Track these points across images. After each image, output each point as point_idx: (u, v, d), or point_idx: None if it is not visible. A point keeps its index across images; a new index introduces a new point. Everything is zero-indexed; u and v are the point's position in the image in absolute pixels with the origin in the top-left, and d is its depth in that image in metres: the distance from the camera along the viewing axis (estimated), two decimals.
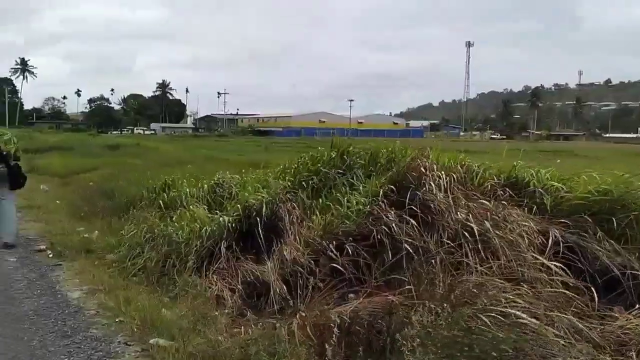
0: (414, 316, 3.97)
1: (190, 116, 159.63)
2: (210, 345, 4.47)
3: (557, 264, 4.96)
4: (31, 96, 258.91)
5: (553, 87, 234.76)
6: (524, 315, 3.90)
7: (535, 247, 5.47)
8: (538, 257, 5.07)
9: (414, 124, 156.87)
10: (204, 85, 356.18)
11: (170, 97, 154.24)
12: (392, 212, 5.88)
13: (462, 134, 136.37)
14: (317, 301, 4.84)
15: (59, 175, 19.70)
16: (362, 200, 6.37)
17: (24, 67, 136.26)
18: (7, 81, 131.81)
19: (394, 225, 5.64)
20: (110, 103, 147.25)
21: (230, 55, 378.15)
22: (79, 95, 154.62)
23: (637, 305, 4.63)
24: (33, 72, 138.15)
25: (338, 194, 6.89)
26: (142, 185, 11.10)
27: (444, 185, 6.12)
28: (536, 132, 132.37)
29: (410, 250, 5.54)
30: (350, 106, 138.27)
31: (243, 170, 10.08)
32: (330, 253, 5.86)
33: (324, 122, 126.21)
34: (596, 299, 4.60)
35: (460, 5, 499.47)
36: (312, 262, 5.85)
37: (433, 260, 5.19)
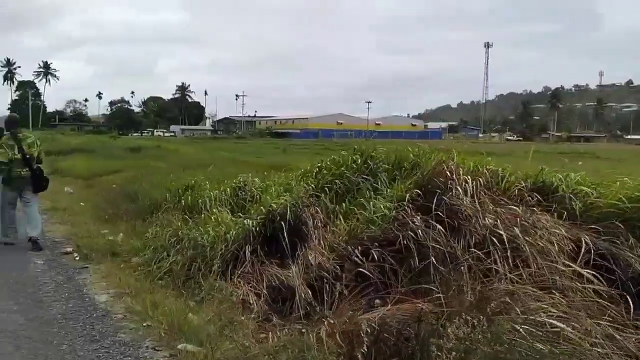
0: (449, 328, 3.89)
1: (209, 118, 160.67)
2: (239, 352, 4.46)
3: (590, 271, 4.87)
4: (54, 99, 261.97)
5: (573, 88, 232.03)
6: (562, 325, 3.83)
7: (566, 254, 5.40)
8: (571, 264, 4.98)
9: (432, 125, 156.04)
10: (223, 88, 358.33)
11: (190, 100, 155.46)
12: (418, 217, 5.84)
13: (480, 135, 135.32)
14: (344, 307, 4.80)
15: (82, 177, 19.90)
16: (387, 205, 6.33)
17: (46, 70, 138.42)
18: (31, 84, 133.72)
19: (420, 230, 5.59)
20: (130, 105, 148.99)
21: (249, 57, 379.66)
22: (100, 97, 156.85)
23: None
24: (55, 75, 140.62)
25: (362, 199, 6.86)
26: (165, 188, 11.17)
27: (470, 189, 6.06)
28: (556, 134, 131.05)
29: (437, 256, 5.51)
30: (368, 108, 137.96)
31: (265, 173, 10.11)
32: (355, 258, 5.84)
33: (341, 123, 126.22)
34: (631, 307, 4.51)
35: (479, 7, 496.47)
36: (337, 267, 5.83)
37: (462, 267, 5.11)
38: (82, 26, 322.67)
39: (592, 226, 5.67)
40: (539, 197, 6.26)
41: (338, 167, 7.73)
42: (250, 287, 6.00)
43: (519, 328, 3.79)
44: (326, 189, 7.41)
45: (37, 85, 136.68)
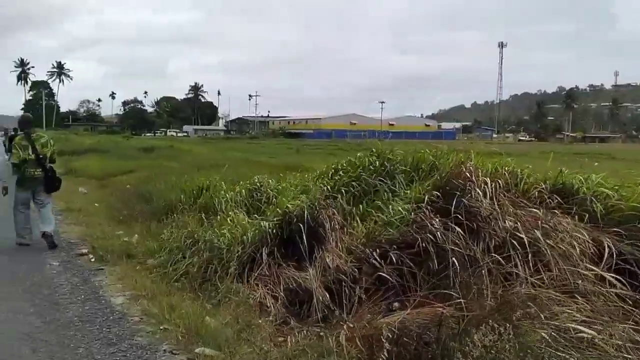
0: (475, 334, 3.81)
1: (222, 118, 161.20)
2: (258, 356, 4.41)
3: (613, 275, 4.77)
4: (67, 99, 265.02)
5: (588, 88, 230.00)
6: (593, 333, 3.74)
7: (588, 257, 5.30)
8: (593, 268, 4.89)
9: (446, 125, 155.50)
10: (236, 88, 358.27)
11: (202, 100, 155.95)
12: (437, 220, 5.77)
13: (495, 136, 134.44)
14: (363, 311, 4.74)
15: (96, 177, 19.99)
16: (405, 207, 6.26)
17: (60, 70, 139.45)
18: (45, 84, 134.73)
19: (439, 233, 5.51)
20: (143, 105, 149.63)
21: (262, 57, 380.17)
22: (113, 97, 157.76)
23: None
24: (69, 76, 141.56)
25: (379, 201, 6.80)
26: (179, 189, 11.16)
27: (489, 191, 5.98)
28: (571, 134, 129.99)
29: (456, 259, 5.43)
30: (382, 108, 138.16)
31: (281, 175, 10.07)
32: (373, 261, 5.77)
33: (354, 124, 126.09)
34: None
35: (493, 7, 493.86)
36: (355, 270, 5.77)
37: (482, 270, 5.03)
38: (96, 26, 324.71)
39: (614, 229, 5.57)
40: (559, 199, 6.17)
41: (355, 169, 7.67)
42: (267, 289, 5.96)
43: (545, 335, 3.70)
44: (342, 190, 7.36)
45: (51, 85, 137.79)
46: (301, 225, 6.44)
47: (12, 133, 14.30)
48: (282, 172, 10.62)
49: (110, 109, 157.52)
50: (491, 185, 6.06)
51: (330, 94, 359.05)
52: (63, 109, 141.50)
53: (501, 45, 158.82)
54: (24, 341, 5.03)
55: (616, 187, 6.14)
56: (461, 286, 5.05)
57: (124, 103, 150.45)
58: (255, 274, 6.21)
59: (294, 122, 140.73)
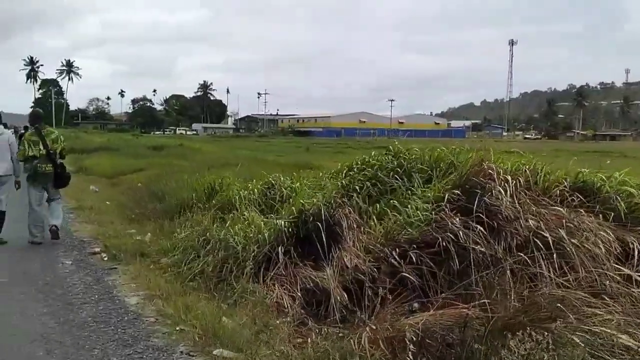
0: (511, 340, 3.67)
1: (231, 116, 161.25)
2: (278, 358, 4.30)
3: None
4: (76, 97, 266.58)
5: (599, 86, 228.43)
6: (632, 341, 3.60)
7: (614, 257, 5.17)
8: (621, 268, 4.76)
9: (456, 123, 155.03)
10: (245, 86, 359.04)
11: (212, 98, 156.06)
12: (457, 219, 5.64)
13: (505, 134, 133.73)
14: (387, 312, 4.61)
15: (107, 175, 19.97)
16: (423, 206, 6.14)
17: (69, 68, 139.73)
18: (54, 82, 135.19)
19: (460, 232, 5.38)
20: (152, 104, 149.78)
21: (272, 56, 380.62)
22: (122, 96, 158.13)
23: None
24: (78, 74, 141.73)
25: (395, 200, 6.67)
26: (191, 187, 11.07)
27: (510, 189, 5.85)
28: (581, 132, 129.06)
29: (478, 259, 5.31)
30: (391, 106, 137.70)
31: (294, 173, 9.98)
32: (393, 261, 5.66)
33: (364, 122, 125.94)
34: None
35: (503, 6, 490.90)
36: (375, 270, 5.65)
37: (510, 270, 4.90)
38: (105, 25, 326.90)
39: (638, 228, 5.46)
40: (581, 197, 6.04)
41: (371, 168, 7.55)
42: (284, 289, 5.85)
43: (577, 339, 3.56)
44: (358, 189, 7.24)
45: (60, 83, 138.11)
46: (318, 224, 6.33)
47: (22, 131, 14.29)
48: (293, 171, 10.53)
49: (119, 107, 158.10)
50: (512, 183, 5.94)
51: (339, 92, 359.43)
52: (72, 107, 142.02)
53: (511, 43, 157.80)
54: (38, 342, 4.95)
55: (638, 185, 6.01)
56: (484, 287, 4.93)
57: (133, 101, 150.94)
58: (271, 274, 6.10)
59: (303, 121, 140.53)
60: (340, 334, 4.87)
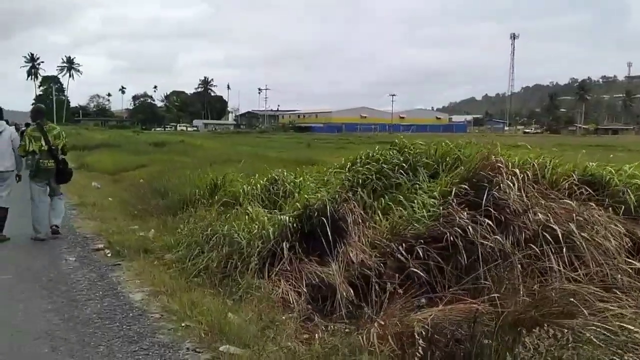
0: (527, 337, 3.59)
1: (232, 113, 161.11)
2: (285, 354, 4.25)
3: None
4: (77, 94, 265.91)
5: (601, 80, 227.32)
6: None
7: (624, 250, 5.12)
8: (633, 261, 4.70)
9: (457, 118, 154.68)
10: (245, 82, 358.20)
11: (212, 94, 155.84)
12: (465, 213, 5.59)
13: (506, 128, 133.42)
14: (395, 307, 4.55)
15: (108, 172, 19.91)
16: (430, 201, 6.08)
17: (70, 65, 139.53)
18: (55, 79, 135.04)
19: (469, 227, 5.33)
20: (153, 100, 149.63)
21: (271, 51, 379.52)
22: (123, 92, 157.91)
23: None
24: (79, 70, 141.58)
25: (400, 195, 6.62)
26: (194, 183, 11.01)
27: (518, 183, 5.79)
28: (583, 126, 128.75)
29: (486, 254, 5.25)
30: (392, 101, 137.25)
31: (297, 168, 9.93)
32: (399, 256, 5.60)
33: (365, 117, 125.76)
34: None
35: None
36: (381, 265, 5.60)
37: (519, 264, 4.84)
38: (105, 21, 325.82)
39: None
40: (590, 191, 5.98)
41: (376, 162, 7.49)
42: (289, 285, 5.80)
43: (592, 338, 3.48)
44: (362, 184, 7.19)
45: (61, 80, 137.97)
46: (323, 219, 6.27)
47: (24, 129, 14.26)
48: (295, 167, 10.46)
49: (120, 104, 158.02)
50: (520, 177, 5.89)
51: (340, 87, 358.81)
52: (73, 104, 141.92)
53: (513, 37, 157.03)
54: (43, 339, 4.90)
55: None
56: (493, 281, 4.88)
57: (134, 98, 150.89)
58: (276, 269, 6.05)
59: (303, 116, 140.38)
60: (347, 330, 4.82)
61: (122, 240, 8.43)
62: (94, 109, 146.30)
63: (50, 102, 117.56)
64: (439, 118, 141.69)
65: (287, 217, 6.58)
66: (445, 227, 5.54)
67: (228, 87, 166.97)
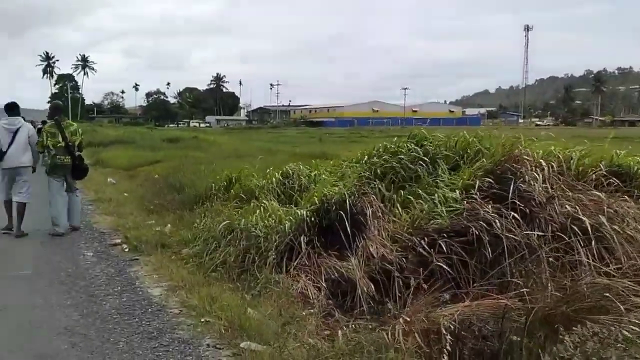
0: (567, 336, 3.45)
1: (244, 108, 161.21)
2: (308, 351, 4.15)
3: None
4: (91, 91, 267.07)
5: (616, 71, 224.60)
6: None
7: None
8: None
9: (470, 111, 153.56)
10: (257, 78, 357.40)
11: (224, 90, 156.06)
12: (490, 206, 5.45)
13: (521, 121, 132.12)
14: (421, 303, 4.43)
15: (124, 168, 19.94)
16: (451, 195, 5.94)
17: (84, 63, 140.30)
18: (70, 77, 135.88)
19: (496, 221, 5.18)
20: (166, 97, 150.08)
21: (283, 47, 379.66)
22: (136, 89, 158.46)
23: None
24: (93, 68, 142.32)
25: (419, 188, 6.48)
26: (209, 178, 10.95)
27: (545, 175, 5.64)
28: (599, 118, 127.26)
29: (512, 247, 5.12)
30: (405, 94, 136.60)
31: (313, 161, 9.84)
32: (421, 250, 5.48)
33: (377, 111, 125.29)
34: None
35: None
36: (403, 259, 5.47)
37: (545, 259, 4.70)
38: (119, 19, 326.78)
39: None
40: (618, 182, 5.82)
41: (394, 155, 7.35)
42: (309, 279, 5.70)
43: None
44: (380, 176, 7.06)
45: (76, 78, 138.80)
46: (341, 213, 6.16)
47: (40, 126, 14.31)
48: (308, 161, 10.34)
49: (133, 101, 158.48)
50: (546, 168, 5.74)
51: (351, 82, 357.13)
52: (87, 102, 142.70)
53: (527, 28, 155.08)
54: (62, 335, 4.84)
55: None
56: (520, 276, 4.74)
57: (147, 94, 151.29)
58: (295, 264, 5.96)
59: (315, 111, 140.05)
60: (370, 326, 4.72)
61: (139, 235, 8.39)
62: (108, 106, 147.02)
63: (66, 99, 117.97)
64: (452, 111, 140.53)
65: (305, 212, 6.48)
66: (470, 220, 5.41)
67: (240, 83, 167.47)
